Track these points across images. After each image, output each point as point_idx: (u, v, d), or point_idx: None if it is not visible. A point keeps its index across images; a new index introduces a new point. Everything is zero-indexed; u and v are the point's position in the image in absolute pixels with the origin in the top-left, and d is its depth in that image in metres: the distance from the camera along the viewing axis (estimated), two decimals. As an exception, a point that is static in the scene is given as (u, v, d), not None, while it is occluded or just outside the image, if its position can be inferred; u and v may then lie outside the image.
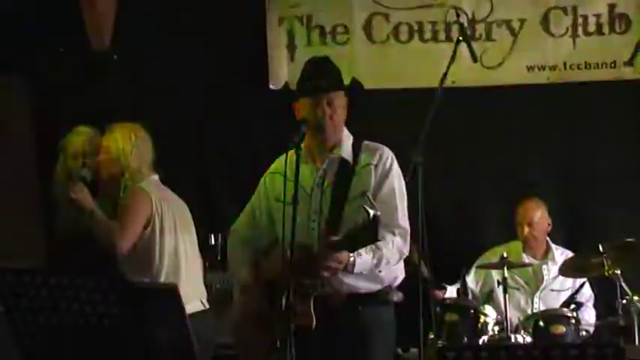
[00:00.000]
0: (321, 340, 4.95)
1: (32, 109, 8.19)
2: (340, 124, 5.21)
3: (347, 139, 5.25)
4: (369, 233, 4.64)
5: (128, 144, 5.98)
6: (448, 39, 8.13)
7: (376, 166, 5.18)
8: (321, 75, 5.24)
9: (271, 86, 8.02)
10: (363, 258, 4.97)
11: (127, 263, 5.82)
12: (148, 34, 8.17)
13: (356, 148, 5.23)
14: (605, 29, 8.16)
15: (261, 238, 5.39)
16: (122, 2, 8.14)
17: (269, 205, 5.31)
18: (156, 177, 6.09)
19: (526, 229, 7.60)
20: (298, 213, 4.82)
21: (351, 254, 4.90)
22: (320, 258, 4.89)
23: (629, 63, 7.82)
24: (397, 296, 5.27)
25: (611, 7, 8.14)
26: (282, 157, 5.29)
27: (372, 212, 4.64)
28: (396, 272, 5.26)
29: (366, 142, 5.28)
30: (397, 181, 5.23)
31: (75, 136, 6.20)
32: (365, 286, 5.12)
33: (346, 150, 5.21)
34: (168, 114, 7.10)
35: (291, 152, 5.09)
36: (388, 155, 5.25)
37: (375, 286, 5.15)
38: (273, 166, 5.40)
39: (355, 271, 4.99)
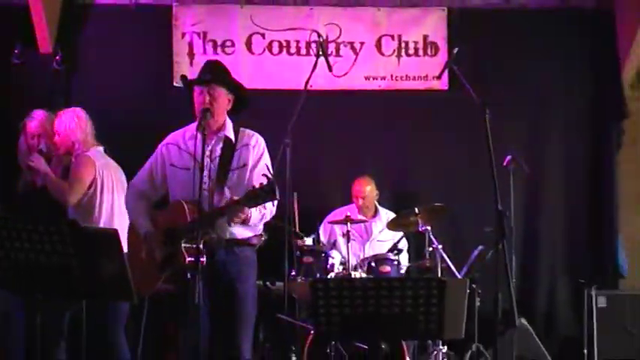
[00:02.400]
0: (208, 275, 4.89)
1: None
2: (220, 111, 5.16)
3: (229, 123, 5.25)
4: (270, 194, 4.70)
5: (73, 123, 5.98)
6: (308, 54, 8.19)
7: (254, 146, 5.22)
8: (207, 71, 5.23)
9: (175, 84, 7.94)
10: (255, 214, 5.01)
11: (74, 214, 5.77)
12: (85, 41, 8.05)
13: (236, 132, 5.24)
14: (421, 52, 8.35)
15: (154, 193, 5.36)
16: (64, 11, 8.00)
17: (164, 168, 5.26)
18: (100, 148, 6.09)
19: (360, 201, 7.69)
20: (194, 177, 4.80)
21: (250, 209, 4.94)
22: (230, 210, 4.90)
23: (438, 77, 7.97)
24: (259, 241, 5.33)
25: (425, 37, 8.33)
26: (178, 132, 5.33)
27: (272, 178, 4.70)
28: (261, 227, 5.32)
29: (242, 129, 5.28)
30: (268, 158, 5.29)
31: (31, 120, 6.13)
32: (242, 233, 5.15)
33: (230, 132, 5.21)
34: (98, 106, 6.88)
35: (190, 127, 5.18)
36: (261, 139, 5.30)
37: (248, 234, 5.19)
38: (169, 138, 5.34)
39: (250, 223, 5.04)
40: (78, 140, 5.97)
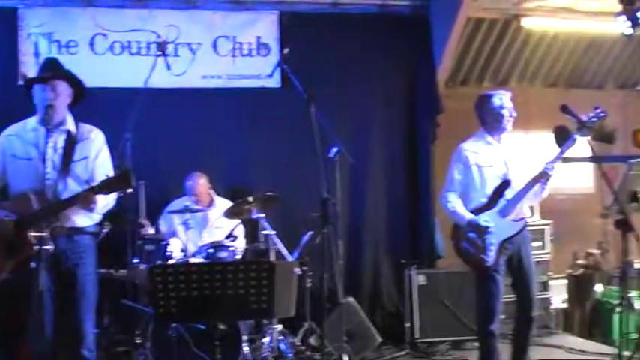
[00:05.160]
0: (51, 261, 4.83)
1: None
2: (63, 105, 5.06)
3: (70, 118, 5.16)
4: (125, 183, 4.63)
5: None
6: (148, 54, 8.07)
7: (94, 140, 5.15)
8: (47, 69, 5.13)
9: (20, 83, 7.63)
10: (101, 202, 4.93)
11: None
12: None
13: (76, 126, 5.14)
14: (254, 53, 8.40)
15: None
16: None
17: (5, 160, 5.09)
18: None
19: (193, 198, 7.60)
20: (38, 168, 4.77)
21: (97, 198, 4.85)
22: (82, 198, 4.79)
23: (270, 75, 8.07)
24: (98, 229, 5.31)
25: (258, 38, 8.40)
26: (19, 124, 5.15)
27: (128, 168, 4.66)
28: (101, 216, 5.22)
29: (81, 123, 5.19)
30: (107, 151, 5.22)
31: None
32: (82, 222, 5.07)
33: (71, 125, 5.12)
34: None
35: (30, 120, 5.04)
36: (101, 133, 5.23)
37: (88, 223, 5.12)
38: (9, 130, 5.16)
39: (96, 211, 4.97)
40: None
